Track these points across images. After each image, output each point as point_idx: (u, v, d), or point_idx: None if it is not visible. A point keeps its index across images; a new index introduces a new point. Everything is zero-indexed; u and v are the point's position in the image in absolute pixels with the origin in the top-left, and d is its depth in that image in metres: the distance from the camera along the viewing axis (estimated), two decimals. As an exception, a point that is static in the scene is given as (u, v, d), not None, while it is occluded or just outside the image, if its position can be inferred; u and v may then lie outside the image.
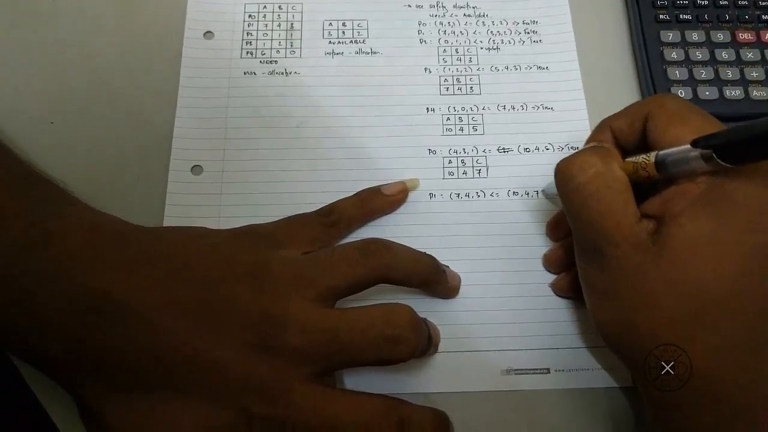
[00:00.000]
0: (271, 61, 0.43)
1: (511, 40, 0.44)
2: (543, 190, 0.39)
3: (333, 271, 0.32)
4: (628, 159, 0.31)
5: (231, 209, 0.39)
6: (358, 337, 0.30)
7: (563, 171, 0.32)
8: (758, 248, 0.28)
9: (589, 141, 0.35)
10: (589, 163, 0.31)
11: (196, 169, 0.40)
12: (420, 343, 0.31)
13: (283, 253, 0.33)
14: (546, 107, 0.42)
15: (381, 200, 0.38)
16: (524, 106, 0.42)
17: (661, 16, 0.43)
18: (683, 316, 0.28)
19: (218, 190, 0.39)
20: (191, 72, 0.42)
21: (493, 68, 0.43)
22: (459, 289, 0.37)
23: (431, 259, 0.35)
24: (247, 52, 0.43)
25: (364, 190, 0.39)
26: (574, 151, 0.33)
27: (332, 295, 0.32)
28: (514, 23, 0.45)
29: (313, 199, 0.38)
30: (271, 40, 0.44)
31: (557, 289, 0.37)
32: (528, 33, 0.44)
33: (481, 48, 0.44)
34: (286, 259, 0.32)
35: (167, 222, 0.38)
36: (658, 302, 0.28)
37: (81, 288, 0.29)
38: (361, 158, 0.40)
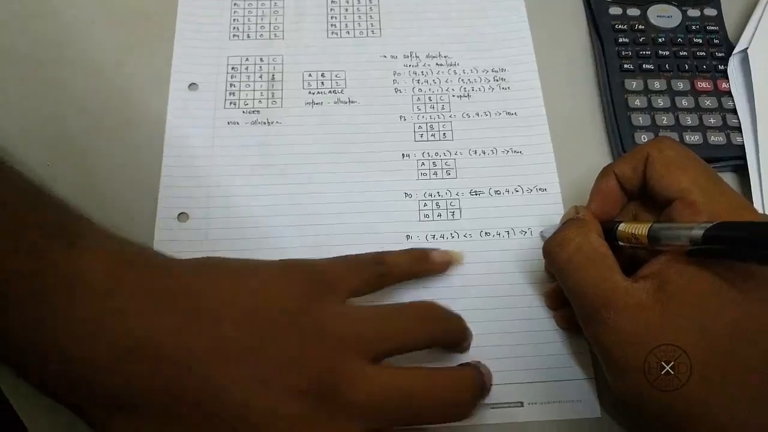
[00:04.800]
0: (253, 111, 0.45)
1: (481, 88, 0.47)
2: (541, 233, 0.41)
3: (390, 335, 0.32)
4: (623, 226, 0.34)
5: (215, 254, 0.40)
6: (428, 401, 0.31)
7: (548, 251, 0.35)
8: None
9: (594, 190, 0.37)
10: (567, 238, 0.34)
11: (182, 216, 0.41)
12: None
13: (334, 303, 0.32)
14: (515, 151, 0.44)
15: (429, 265, 0.39)
16: (494, 151, 0.44)
17: (625, 66, 0.46)
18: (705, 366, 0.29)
19: (204, 237, 0.41)
20: (177, 122, 0.44)
21: (465, 115, 0.46)
22: None
23: (464, 322, 0.37)
24: (231, 103, 0.45)
25: (414, 249, 0.39)
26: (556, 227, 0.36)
27: (385, 355, 0.32)
28: (483, 71, 0.47)
29: (294, 243, 0.40)
30: (254, 90, 0.46)
31: (560, 324, 0.39)
32: (497, 80, 0.47)
33: (453, 95, 0.46)
34: (339, 313, 0.32)
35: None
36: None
37: (120, 334, 0.28)
38: (341, 203, 0.42)
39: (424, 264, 0.39)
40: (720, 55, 0.47)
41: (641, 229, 0.33)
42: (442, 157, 0.44)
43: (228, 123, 0.44)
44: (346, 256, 0.36)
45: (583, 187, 0.39)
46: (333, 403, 0.29)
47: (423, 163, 0.44)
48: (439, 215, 0.42)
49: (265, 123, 0.45)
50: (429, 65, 0.47)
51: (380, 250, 0.40)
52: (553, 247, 0.35)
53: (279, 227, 0.41)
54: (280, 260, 0.33)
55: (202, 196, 0.42)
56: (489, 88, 0.47)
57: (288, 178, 0.43)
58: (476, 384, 0.33)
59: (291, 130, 0.44)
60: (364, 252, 0.38)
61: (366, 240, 0.41)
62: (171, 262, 0.32)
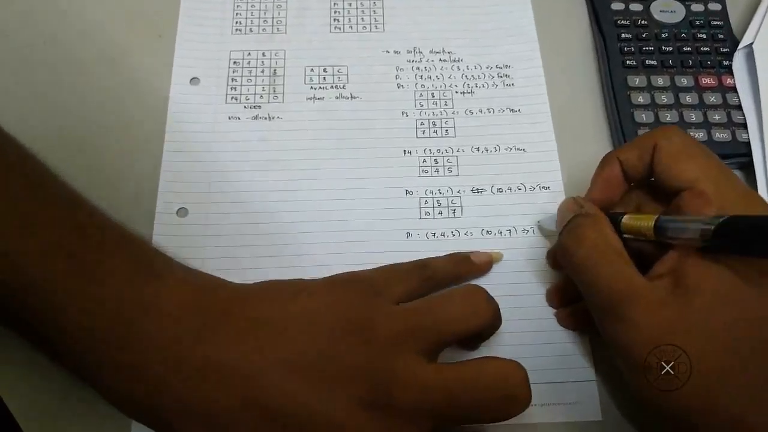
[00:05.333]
0: (254, 106, 0.45)
1: (485, 84, 0.46)
2: (539, 223, 0.41)
3: (442, 325, 0.32)
4: (627, 219, 0.33)
5: (215, 250, 0.40)
6: (476, 397, 0.30)
7: (565, 247, 0.34)
8: None
9: (596, 176, 0.37)
10: (584, 235, 0.33)
11: (182, 211, 0.41)
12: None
13: (383, 304, 0.33)
14: (518, 149, 0.44)
15: (470, 266, 0.39)
16: (497, 148, 0.44)
17: (628, 62, 0.45)
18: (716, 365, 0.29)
19: (203, 232, 0.40)
20: (178, 117, 0.44)
21: (468, 111, 0.45)
22: None
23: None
24: (232, 98, 0.45)
25: (455, 253, 0.40)
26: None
27: (439, 348, 0.32)
28: (487, 68, 0.47)
29: (294, 240, 0.40)
30: (255, 85, 0.45)
31: (564, 322, 0.39)
32: (501, 77, 0.46)
33: (456, 92, 0.46)
34: (390, 313, 0.32)
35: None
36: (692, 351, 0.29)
37: (190, 354, 0.29)
38: (341, 199, 0.42)
39: (466, 266, 0.39)
40: (724, 50, 0.46)
41: (647, 221, 0.32)
42: (444, 154, 0.44)
43: (229, 118, 0.44)
44: (390, 265, 0.37)
45: (586, 185, 0.39)
46: (389, 409, 0.29)
47: (424, 160, 0.43)
48: (440, 213, 0.42)
49: (266, 118, 0.44)
50: (432, 61, 0.47)
51: (385, 247, 0.40)
52: (569, 243, 0.34)
53: (278, 223, 0.41)
54: (328, 277, 0.35)
55: (201, 192, 0.42)
56: (493, 85, 0.46)
57: (288, 174, 0.42)
58: (524, 375, 0.31)
59: (292, 125, 0.44)
60: (367, 247, 0.39)
61: (365, 237, 0.41)
62: (238, 288, 0.33)
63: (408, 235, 0.41)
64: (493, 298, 0.34)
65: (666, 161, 0.33)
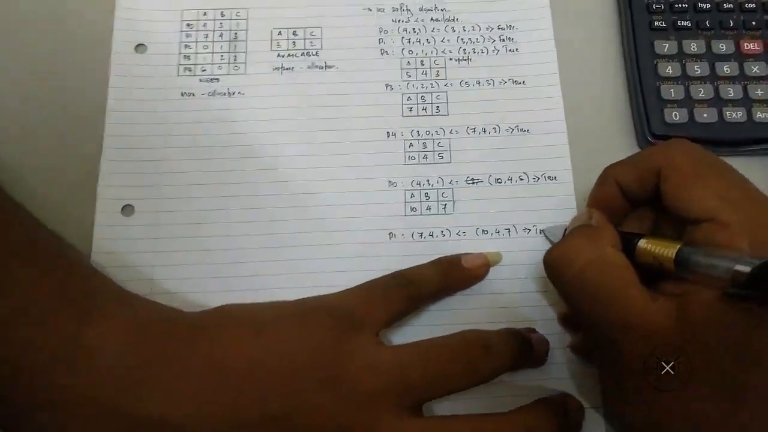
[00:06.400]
0: (212, 79, 0.38)
1: (484, 49, 0.39)
2: (543, 232, 0.36)
3: (432, 381, 0.29)
4: (644, 243, 0.29)
5: (167, 256, 0.35)
6: None
7: (552, 264, 0.30)
8: None
9: (591, 197, 0.33)
10: (575, 251, 0.29)
11: (127, 209, 0.36)
12: None
13: (365, 344, 0.29)
14: (521, 129, 0.37)
15: (461, 273, 0.34)
16: (497, 129, 0.37)
17: (656, 23, 0.38)
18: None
19: (153, 234, 0.35)
20: (120, 93, 0.37)
21: (463, 83, 0.38)
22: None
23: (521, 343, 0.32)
24: (185, 69, 0.38)
25: (441, 259, 0.34)
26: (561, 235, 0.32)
27: (424, 402, 0.29)
28: (487, 28, 0.40)
29: (258, 243, 0.35)
30: (212, 53, 0.39)
31: (576, 349, 0.34)
32: (503, 40, 0.39)
33: (450, 59, 0.39)
34: (373, 360, 0.28)
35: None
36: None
37: (128, 417, 0.26)
38: (312, 193, 0.36)
39: (457, 274, 0.34)
40: (775, 7, 0.39)
41: (667, 250, 0.28)
42: (434, 137, 0.37)
43: (182, 94, 0.38)
44: (367, 284, 0.32)
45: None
46: None
47: (411, 144, 0.37)
48: (429, 208, 0.36)
49: (225, 94, 0.38)
50: (423, 20, 0.40)
51: (363, 250, 0.35)
52: (555, 260, 0.30)
53: (240, 223, 0.36)
54: (299, 302, 0.31)
55: (150, 185, 0.36)
56: (493, 50, 0.39)
57: (250, 163, 0.37)
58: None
59: (255, 102, 0.38)
60: (348, 250, 0.34)
61: (341, 239, 0.36)
62: (185, 321, 0.29)
63: (391, 235, 0.36)
64: (515, 336, 0.31)
65: (675, 189, 0.28)
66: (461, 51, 0.39)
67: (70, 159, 0.36)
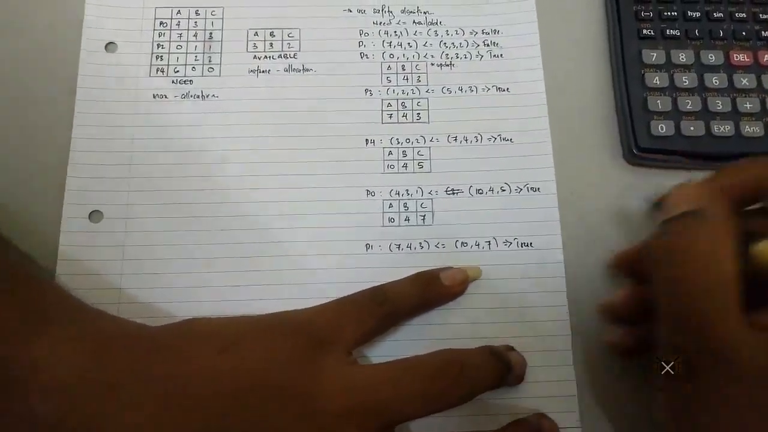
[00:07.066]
0: (185, 81, 0.37)
1: (468, 54, 0.38)
2: (646, 199, 0.34)
3: (403, 404, 0.27)
4: (766, 245, 0.26)
5: (136, 264, 0.34)
6: None
7: (665, 252, 0.27)
8: None
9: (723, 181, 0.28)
10: (699, 249, 0.26)
11: (95, 215, 0.34)
12: None
13: (333, 364, 0.28)
14: (504, 138, 0.36)
15: (440, 290, 0.33)
16: (478, 137, 0.36)
17: (644, 31, 0.37)
18: None
19: (121, 241, 0.34)
20: (89, 94, 0.36)
21: (445, 89, 0.37)
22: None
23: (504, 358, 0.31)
24: (158, 69, 0.37)
25: (420, 274, 0.33)
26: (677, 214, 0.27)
27: (397, 424, 0.28)
28: (471, 33, 0.38)
29: (230, 252, 0.34)
30: (186, 53, 0.37)
31: (619, 348, 0.32)
32: (487, 45, 0.38)
33: (432, 64, 0.38)
34: (340, 380, 0.27)
35: (59, 278, 0.33)
36: None
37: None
38: (287, 201, 0.35)
39: (434, 290, 0.33)
40: (765, 17, 0.38)
41: None
42: (414, 145, 0.36)
43: (154, 96, 0.36)
44: (342, 300, 0.31)
45: (584, 188, 0.32)
46: None
47: (390, 153, 0.36)
48: (407, 219, 0.35)
49: (198, 97, 0.36)
50: (405, 23, 0.38)
51: (339, 262, 0.34)
52: (674, 253, 0.26)
53: (211, 231, 0.34)
54: (268, 318, 0.29)
55: (119, 190, 0.35)
56: (477, 56, 0.38)
57: (223, 169, 0.35)
58: None
59: (230, 105, 0.36)
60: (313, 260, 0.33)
61: (316, 250, 0.34)
62: (147, 336, 0.28)
63: (368, 246, 0.35)
64: (495, 355, 0.30)
65: None
66: (444, 56, 0.38)
67: (36, 164, 0.35)
